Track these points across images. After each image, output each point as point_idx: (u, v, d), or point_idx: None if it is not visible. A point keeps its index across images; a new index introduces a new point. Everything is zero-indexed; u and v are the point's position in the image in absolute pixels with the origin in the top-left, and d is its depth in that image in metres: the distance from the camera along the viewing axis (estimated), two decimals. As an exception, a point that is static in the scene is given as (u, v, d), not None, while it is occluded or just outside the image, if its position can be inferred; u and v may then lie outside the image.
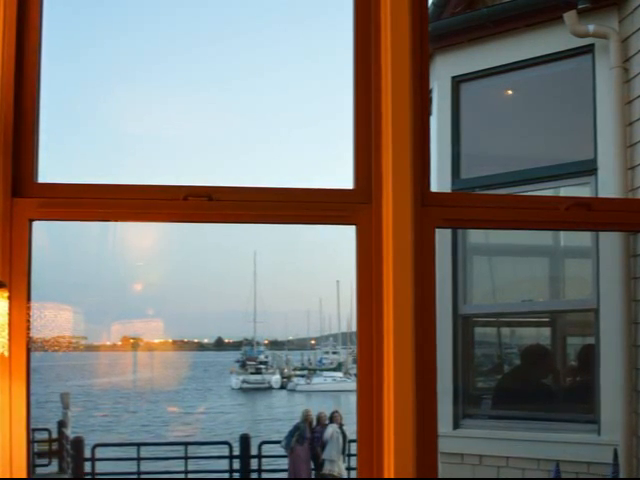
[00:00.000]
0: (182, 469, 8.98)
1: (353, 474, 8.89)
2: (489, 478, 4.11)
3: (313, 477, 8.83)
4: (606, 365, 3.81)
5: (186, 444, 9.41)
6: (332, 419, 9.06)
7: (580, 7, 3.83)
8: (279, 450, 9.16)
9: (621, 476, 3.61)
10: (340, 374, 29.31)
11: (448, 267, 4.35)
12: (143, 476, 8.98)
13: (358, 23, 1.90)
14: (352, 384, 23.15)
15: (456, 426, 4.30)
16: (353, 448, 8.69)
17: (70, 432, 9.59)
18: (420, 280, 1.81)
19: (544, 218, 1.95)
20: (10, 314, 1.68)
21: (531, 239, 4.49)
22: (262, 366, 30.31)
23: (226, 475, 8.97)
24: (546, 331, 4.86)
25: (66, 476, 8.80)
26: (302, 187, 1.86)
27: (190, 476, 9.16)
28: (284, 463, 8.95)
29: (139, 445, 9.22)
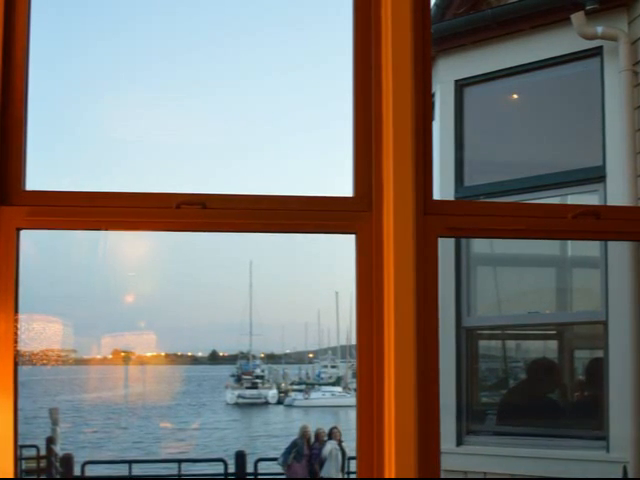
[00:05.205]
0: (175, 487, 8.88)
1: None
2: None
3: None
4: (615, 379, 3.74)
5: (179, 461, 9.43)
6: (331, 435, 9.02)
7: (588, 8, 3.80)
8: (276, 467, 9.11)
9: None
10: (339, 389, 29.33)
11: (451, 278, 4.29)
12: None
13: (358, 25, 1.85)
14: (352, 399, 23.12)
15: (459, 443, 4.22)
16: (353, 466, 8.59)
17: (59, 449, 9.53)
18: (422, 291, 1.76)
19: (551, 227, 1.89)
20: (-3, 326, 1.65)
21: (537, 249, 4.44)
22: (258, 380, 30.28)
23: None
24: (553, 344, 4.81)
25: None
26: (300, 195, 1.81)
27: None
28: (281, 481, 8.85)
29: (131, 462, 9.20)
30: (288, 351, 40.37)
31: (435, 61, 4.38)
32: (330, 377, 32.11)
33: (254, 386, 29.73)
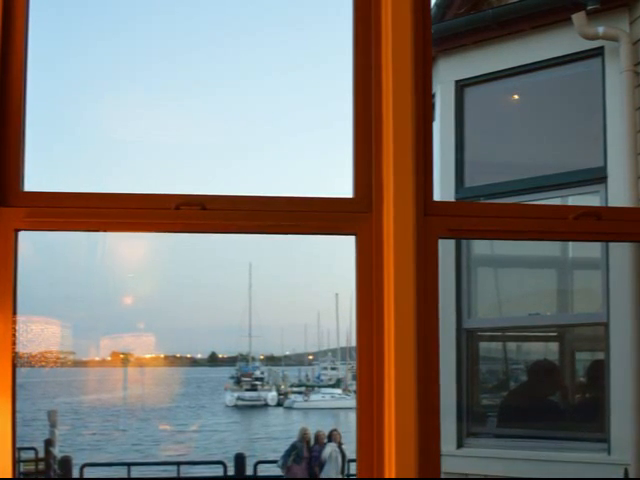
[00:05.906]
0: (174, 489, 8.86)
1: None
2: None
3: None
4: (616, 381, 3.74)
5: (178, 464, 9.40)
6: (331, 438, 9.01)
7: (589, 8, 3.78)
8: (275, 470, 9.07)
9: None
10: (339, 391, 29.28)
11: (452, 279, 4.28)
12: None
13: (358, 25, 1.85)
14: (351, 401, 23.10)
15: (460, 445, 4.20)
16: (353, 468, 8.57)
17: (57, 451, 9.50)
18: (422, 293, 1.76)
19: (552, 228, 1.89)
20: (-5, 328, 1.65)
21: (538, 250, 4.43)
22: (258, 382, 30.21)
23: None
24: (554, 346, 4.80)
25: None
26: (299, 196, 1.80)
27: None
28: (280, 483, 8.83)
29: (129, 465, 9.14)
30: (288, 353, 40.34)
31: (435, 61, 4.37)
32: (330, 379, 32.04)
33: (253, 388, 29.68)
